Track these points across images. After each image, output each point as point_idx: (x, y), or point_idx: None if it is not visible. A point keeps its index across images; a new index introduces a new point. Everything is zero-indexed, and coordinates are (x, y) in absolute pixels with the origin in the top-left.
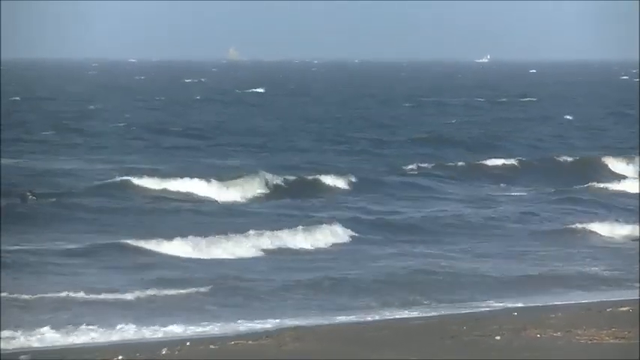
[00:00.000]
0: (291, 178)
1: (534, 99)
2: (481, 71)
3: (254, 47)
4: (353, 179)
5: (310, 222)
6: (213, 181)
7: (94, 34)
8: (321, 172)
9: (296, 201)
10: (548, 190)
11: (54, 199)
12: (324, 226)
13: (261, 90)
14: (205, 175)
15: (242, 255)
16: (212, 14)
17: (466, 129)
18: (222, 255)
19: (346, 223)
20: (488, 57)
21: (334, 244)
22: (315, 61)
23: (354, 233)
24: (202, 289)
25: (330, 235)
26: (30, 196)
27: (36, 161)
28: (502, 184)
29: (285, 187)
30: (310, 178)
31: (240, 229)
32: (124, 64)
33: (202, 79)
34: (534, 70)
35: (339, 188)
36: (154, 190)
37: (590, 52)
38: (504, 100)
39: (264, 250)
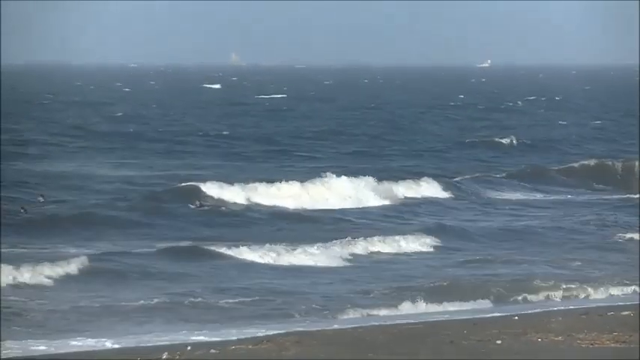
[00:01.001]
0: (381, 182)
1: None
2: (488, 76)
3: (252, 52)
4: (442, 185)
5: (399, 230)
6: (300, 188)
7: (89, 38)
8: (403, 178)
9: (385, 206)
10: (618, 196)
11: (141, 204)
12: (409, 234)
13: (283, 96)
14: (288, 180)
15: (328, 263)
16: (209, 19)
17: (511, 133)
18: (307, 262)
19: (431, 230)
20: (489, 62)
21: (416, 252)
22: (304, 65)
23: (438, 241)
24: (248, 299)
25: (413, 243)
26: (40, 199)
27: (101, 167)
28: (577, 189)
29: (374, 192)
30: (392, 183)
31: (328, 237)
32: (128, 69)
33: (218, 85)
34: (541, 75)
35: (432, 196)
36: (235, 197)
37: (593, 57)
38: (527, 104)
39: (349, 258)
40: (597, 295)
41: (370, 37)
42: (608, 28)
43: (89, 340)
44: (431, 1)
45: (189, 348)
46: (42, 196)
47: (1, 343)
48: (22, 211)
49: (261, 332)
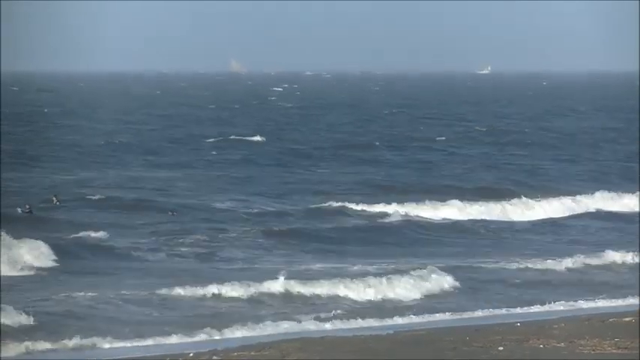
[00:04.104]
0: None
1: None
2: (504, 84)
3: (252, 58)
4: None
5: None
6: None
7: (86, 45)
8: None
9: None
10: None
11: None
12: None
13: (355, 105)
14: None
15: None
16: (207, 25)
17: None
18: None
19: None
20: (489, 68)
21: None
22: (327, 75)
23: None
24: None
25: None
26: (55, 201)
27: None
28: None
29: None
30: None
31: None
32: (136, 75)
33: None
34: (545, 83)
35: None
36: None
37: (596, 63)
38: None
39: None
40: None
41: (361, 44)
42: (612, 32)
43: None
44: (423, 1)
45: (191, 355)
46: (55, 196)
47: None
48: (26, 209)
49: (264, 339)
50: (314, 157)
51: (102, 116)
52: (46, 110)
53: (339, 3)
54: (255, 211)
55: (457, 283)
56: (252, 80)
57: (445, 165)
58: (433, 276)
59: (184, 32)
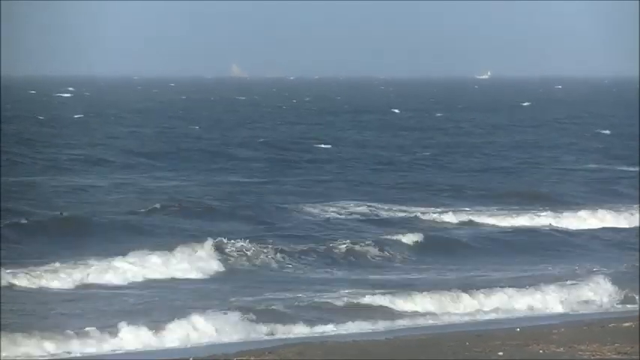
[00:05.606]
0: None
1: None
2: (516, 89)
3: (253, 61)
4: None
5: None
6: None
7: (86, 46)
8: None
9: None
10: None
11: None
12: None
13: (396, 111)
14: None
15: None
16: (207, 25)
17: None
18: None
19: None
20: (489, 73)
21: None
22: (341, 78)
23: None
24: None
25: None
26: (60, 214)
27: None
28: None
29: None
30: None
31: None
32: (142, 82)
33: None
34: (560, 86)
35: None
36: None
37: (594, 68)
38: None
39: None
40: None
41: (361, 45)
42: (612, 33)
43: None
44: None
45: (191, 359)
46: (61, 213)
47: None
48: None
49: (264, 344)
50: (396, 162)
51: (142, 121)
52: (81, 116)
53: (339, 3)
54: (370, 218)
55: (615, 288)
56: (258, 85)
57: (534, 171)
58: (591, 283)
59: (184, 33)
